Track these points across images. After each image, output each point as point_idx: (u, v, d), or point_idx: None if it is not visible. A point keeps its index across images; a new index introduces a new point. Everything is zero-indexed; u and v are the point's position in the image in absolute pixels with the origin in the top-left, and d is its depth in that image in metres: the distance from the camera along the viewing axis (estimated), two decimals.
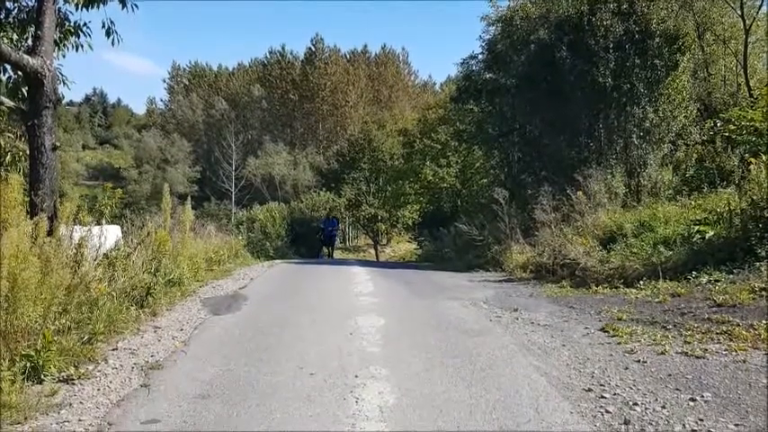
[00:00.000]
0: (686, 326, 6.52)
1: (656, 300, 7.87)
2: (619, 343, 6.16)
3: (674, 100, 15.22)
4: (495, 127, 22.30)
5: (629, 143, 14.97)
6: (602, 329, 6.74)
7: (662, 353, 5.66)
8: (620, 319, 7.11)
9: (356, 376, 5.18)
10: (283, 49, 79.84)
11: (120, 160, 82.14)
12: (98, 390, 4.99)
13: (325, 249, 26.81)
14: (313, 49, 76.87)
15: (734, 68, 22.12)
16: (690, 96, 16.41)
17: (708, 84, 21.64)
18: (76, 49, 8.85)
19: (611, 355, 5.75)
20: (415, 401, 4.57)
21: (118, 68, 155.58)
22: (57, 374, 5.24)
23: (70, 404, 4.65)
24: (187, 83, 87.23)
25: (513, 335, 6.72)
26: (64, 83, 8.53)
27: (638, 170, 14.92)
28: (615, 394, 4.64)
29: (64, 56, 8.79)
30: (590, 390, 4.77)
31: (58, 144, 7.68)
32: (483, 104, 23.08)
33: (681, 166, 15.44)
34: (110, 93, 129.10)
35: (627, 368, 5.28)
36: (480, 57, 22.86)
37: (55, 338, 5.52)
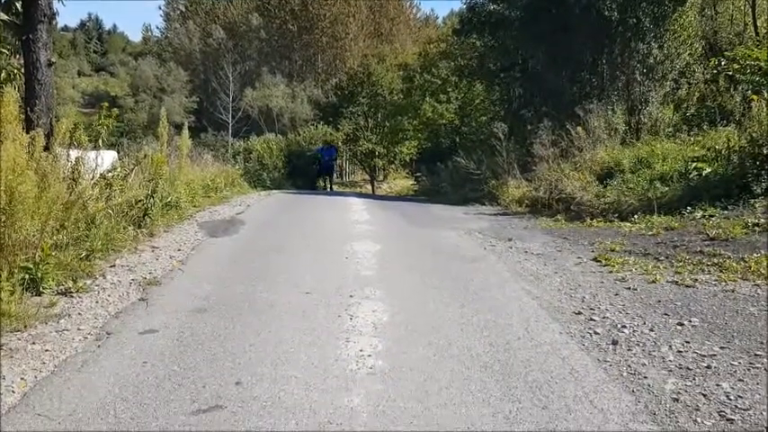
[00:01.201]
0: (678, 257, 6.59)
1: (650, 233, 7.93)
2: (610, 272, 6.24)
3: (680, 37, 14.99)
4: (497, 61, 22.03)
5: (632, 80, 14.81)
6: (595, 259, 6.82)
7: (652, 281, 5.74)
8: (612, 250, 7.17)
9: (351, 296, 5.26)
10: None
11: (116, 88, 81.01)
12: (96, 302, 5.08)
13: (321, 182, 24.99)
14: None
15: (741, 7, 21.71)
16: (696, 34, 16.14)
17: (714, 22, 21.26)
18: None
19: (602, 282, 5.83)
20: (408, 320, 4.66)
21: None
22: (55, 287, 5.33)
23: (69, 315, 4.74)
24: (183, 10, 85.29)
25: (506, 262, 6.80)
26: None
27: (640, 107, 14.81)
28: (604, 317, 4.73)
29: None
30: (579, 313, 4.86)
31: (53, 60, 7.57)
32: (486, 38, 22.75)
33: (682, 104, 15.34)
34: (105, 19, 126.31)
35: (617, 294, 5.37)
36: None
37: (53, 253, 5.58)
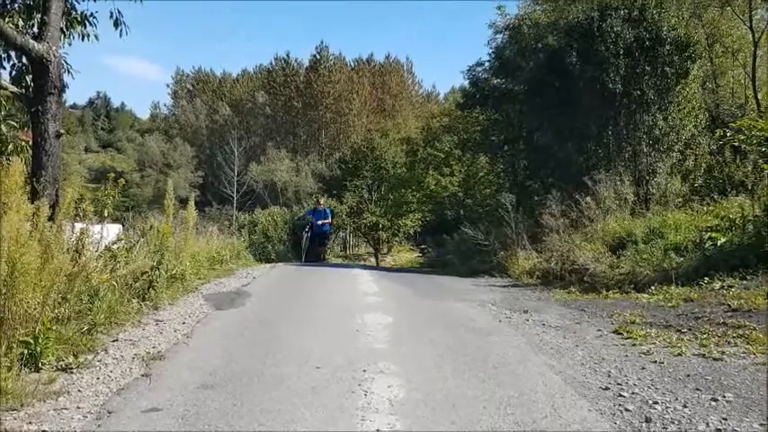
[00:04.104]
0: (701, 329, 6.35)
1: (669, 304, 7.70)
2: (633, 344, 5.99)
3: (684, 108, 15.07)
4: (500, 134, 22.23)
5: (638, 151, 14.80)
6: (616, 332, 6.57)
7: (678, 354, 5.49)
8: (633, 322, 6.93)
9: (364, 370, 5.00)
10: (288, 56, 79.69)
11: (122, 164, 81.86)
12: (97, 378, 4.83)
13: (313, 248, 20.49)
14: (318, 56, 76.69)
15: (742, 81, 22.07)
16: (700, 105, 16.26)
17: (716, 95, 21.56)
18: (83, 39, 8.73)
19: (627, 355, 5.57)
20: (426, 396, 4.40)
21: (122, 73, 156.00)
22: (55, 363, 5.10)
23: (68, 392, 4.49)
24: (191, 88, 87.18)
25: (524, 335, 6.55)
26: (69, 71, 8.39)
27: (647, 178, 14.74)
28: (633, 393, 4.46)
29: (70, 44, 8.66)
30: (607, 388, 4.59)
31: (62, 131, 7.53)
32: (489, 112, 23.03)
33: (690, 175, 15.28)
34: (114, 97, 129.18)
35: (644, 368, 5.11)
36: (487, 64, 22.84)
37: (54, 327, 5.37)
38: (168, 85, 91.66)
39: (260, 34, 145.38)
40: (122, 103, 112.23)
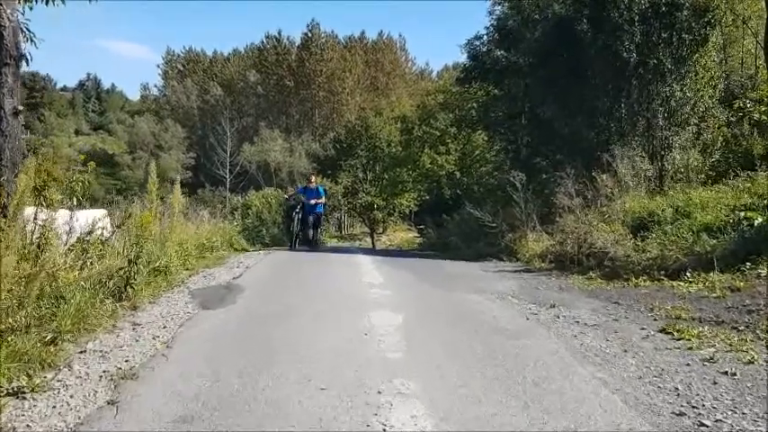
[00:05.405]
0: (761, 327, 5.52)
1: (714, 295, 6.86)
2: (690, 348, 5.12)
3: (703, 78, 14.15)
4: (501, 110, 21.32)
5: (654, 124, 13.89)
6: (663, 330, 5.70)
7: (750, 362, 4.64)
8: (679, 318, 6.08)
9: (379, 392, 4.11)
10: (279, 34, 78.12)
11: (113, 146, 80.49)
12: (54, 407, 3.92)
13: (305, 232, 17.01)
14: (309, 34, 75.25)
15: (752, 51, 21.20)
16: (718, 75, 15.34)
17: (725, 65, 20.66)
18: (46, 3, 7.71)
19: (689, 364, 4.70)
20: (461, 429, 3.52)
21: (112, 54, 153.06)
22: (6, 385, 4.19)
23: (13, 429, 3.59)
24: (182, 68, 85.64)
25: (559, 337, 5.65)
26: (31, 40, 7.36)
27: (662, 153, 13.85)
28: (717, 421, 3.59)
29: (31, 8, 7.59)
30: (682, 414, 3.71)
31: (20, 108, 6.51)
32: (490, 87, 22.12)
33: (707, 149, 14.38)
34: (104, 78, 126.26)
35: (715, 383, 4.24)
36: (486, 37, 21.88)
37: (9, 338, 4.48)
38: (159, 66, 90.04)
39: (250, 13, 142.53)
40: (113, 85, 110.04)
